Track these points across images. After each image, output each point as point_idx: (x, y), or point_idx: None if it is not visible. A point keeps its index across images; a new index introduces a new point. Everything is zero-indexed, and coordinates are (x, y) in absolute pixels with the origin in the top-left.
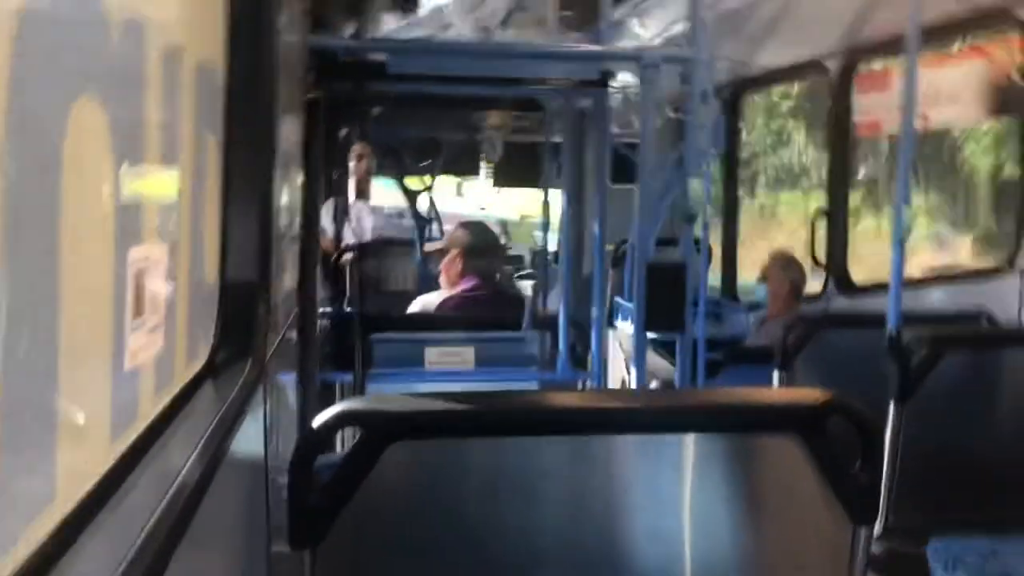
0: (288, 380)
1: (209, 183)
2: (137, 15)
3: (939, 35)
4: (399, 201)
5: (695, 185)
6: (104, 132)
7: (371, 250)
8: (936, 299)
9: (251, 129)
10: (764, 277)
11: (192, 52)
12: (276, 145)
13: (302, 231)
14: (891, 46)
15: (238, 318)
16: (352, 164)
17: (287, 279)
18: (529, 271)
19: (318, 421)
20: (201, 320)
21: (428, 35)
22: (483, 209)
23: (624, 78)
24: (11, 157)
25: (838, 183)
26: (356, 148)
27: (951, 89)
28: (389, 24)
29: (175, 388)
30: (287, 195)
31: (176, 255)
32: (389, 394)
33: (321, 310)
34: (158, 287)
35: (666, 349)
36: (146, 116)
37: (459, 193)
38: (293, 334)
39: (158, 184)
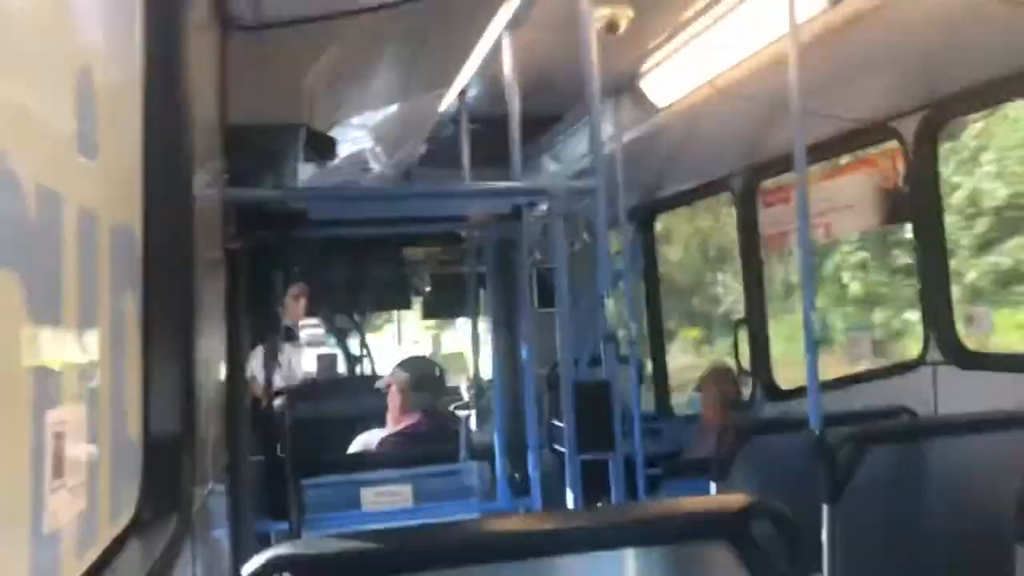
0: (220, 532)
1: (130, 340)
2: (51, 180)
3: (828, 149)
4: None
5: (609, 305)
6: (18, 298)
7: (303, 392)
8: (858, 397)
9: (170, 285)
10: (699, 388)
11: (108, 214)
12: (195, 299)
13: (228, 379)
14: (786, 163)
15: (163, 472)
16: (285, 307)
17: (214, 429)
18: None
19: (248, 569)
20: (125, 476)
21: (348, 179)
22: (417, 343)
23: (542, 208)
24: None
25: (754, 293)
26: (293, 290)
27: (847, 199)
28: (307, 172)
29: (99, 547)
30: (211, 345)
31: (97, 413)
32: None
33: (254, 458)
34: (78, 447)
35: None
36: (63, 279)
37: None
38: (223, 485)
39: (76, 345)
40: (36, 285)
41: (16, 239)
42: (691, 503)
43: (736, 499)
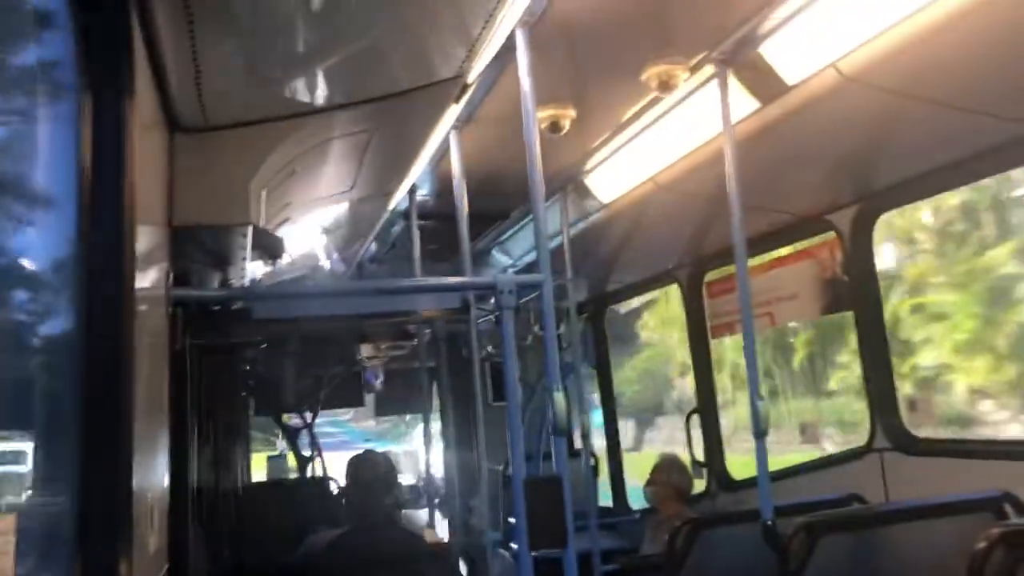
0: None
1: (64, 450)
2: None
3: (768, 241)
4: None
5: (559, 400)
6: None
7: (251, 494)
8: (809, 485)
9: (108, 385)
10: (650, 482)
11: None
12: (132, 404)
13: (172, 481)
14: (728, 255)
15: None
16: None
17: (154, 538)
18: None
19: None
20: None
21: (300, 275)
22: (368, 441)
23: (492, 303)
24: None
25: (704, 384)
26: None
27: (790, 289)
28: (257, 271)
29: None
30: (152, 450)
31: (32, 525)
32: None
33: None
34: (6, 561)
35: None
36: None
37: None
38: None
39: (10, 456)
40: None
41: None
42: None
43: None
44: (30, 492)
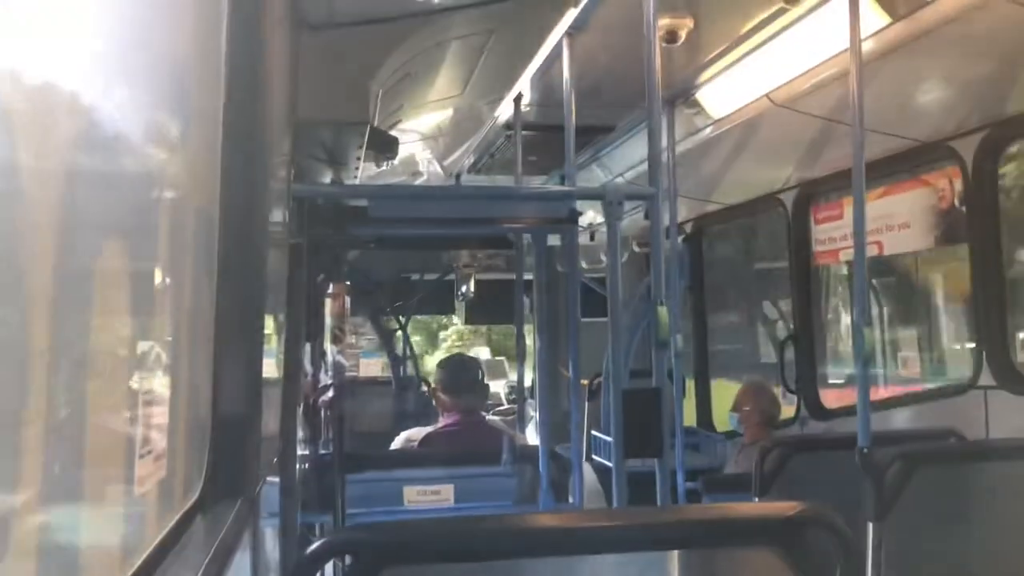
0: (270, 521)
1: (203, 321)
2: (149, 167)
3: (885, 168)
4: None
5: (663, 313)
6: (124, 275)
7: (348, 390)
8: (906, 419)
9: (243, 272)
10: (737, 405)
11: (191, 199)
12: (264, 289)
13: (285, 372)
14: (841, 180)
15: (229, 455)
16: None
17: (272, 420)
18: (506, 407)
19: (310, 549)
20: (193, 454)
21: (401, 182)
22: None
23: (590, 218)
24: (58, 311)
25: (803, 310)
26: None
27: (901, 218)
28: (365, 172)
29: (172, 520)
30: (273, 336)
31: (177, 390)
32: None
33: (301, 451)
34: (161, 419)
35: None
36: (157, 259)
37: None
38: (275, 475)
39: (165, 321)
40: (137, 263)
41: (124, 219)
42: (741, 508)
43: (787, 506)
44: (175, 361)
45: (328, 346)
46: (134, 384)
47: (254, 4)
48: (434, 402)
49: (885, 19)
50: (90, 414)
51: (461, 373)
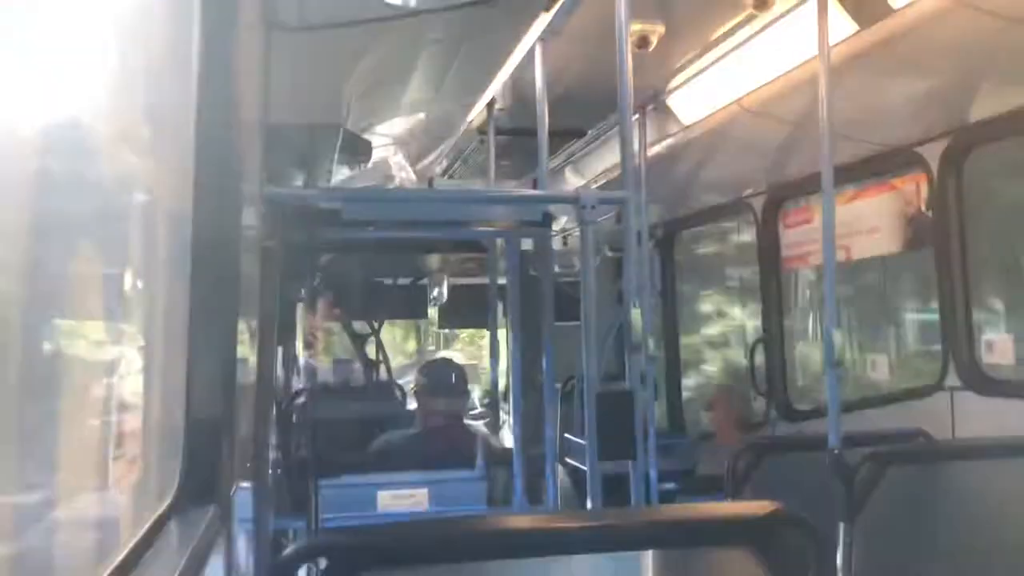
0: (244, 526)
1: (176, 325)
2: (121, 171)
3: (852, 173)
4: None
5: (636, 316)
6: (97, 279)
7: (321, 395)
8: (874, 421)
9: (216, 273)
10: (709, 407)
11: (164, 203)
12: (239, 291)
13: (258, 376)
14: (809, 185)
15: (202, 459)
16: (318, 314)
17: (245, 424)
18: (479, 411)
19: (284, 554)
20: (166, 458)
21: (372, 186)
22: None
23: (563, 223)
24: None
25: (772, 314)
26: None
27: (869, 222)
28: (338, 175)
29: (144, 524)
30: (246, 340)
31: (150, 393)
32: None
33: (273, 455)
34: (134, 423)
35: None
36: (129, 262)
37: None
38: (248, 480)
39: (140, 322)
40: (110, 265)
41: (98, 220)
42: (715, 508)
43: (760, 506)
44: (149, 362)
45: (300, 350)
46: (106, 388)
47: (226, 6)
48: (416, 405)
49: (853, 26)
50: (62, 418)
51: (442, 377)
